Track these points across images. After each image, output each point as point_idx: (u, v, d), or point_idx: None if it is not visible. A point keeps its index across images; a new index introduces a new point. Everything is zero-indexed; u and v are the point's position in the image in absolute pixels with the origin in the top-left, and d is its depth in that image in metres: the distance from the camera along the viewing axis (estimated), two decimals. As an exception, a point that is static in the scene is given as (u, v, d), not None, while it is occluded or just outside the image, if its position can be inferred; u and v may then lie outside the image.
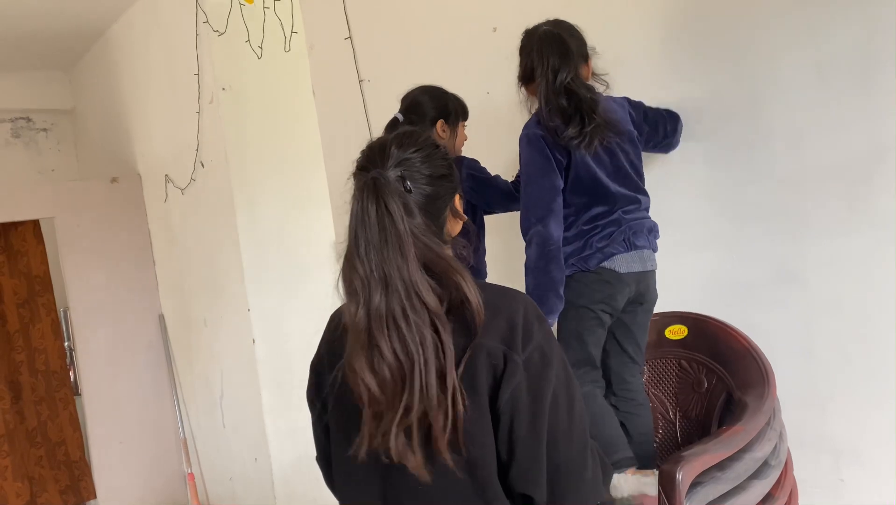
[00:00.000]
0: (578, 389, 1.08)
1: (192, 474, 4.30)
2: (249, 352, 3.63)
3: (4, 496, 4.01)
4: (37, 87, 5.07)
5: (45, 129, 5.21)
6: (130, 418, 4.33)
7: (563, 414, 1.03)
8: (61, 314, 4.36)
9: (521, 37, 1.76)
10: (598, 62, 1.80)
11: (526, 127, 1.71)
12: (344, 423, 1.11)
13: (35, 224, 4.23)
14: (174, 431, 4.50)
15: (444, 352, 0.99)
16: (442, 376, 0.98)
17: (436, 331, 0.99)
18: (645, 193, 1.78)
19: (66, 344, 4.31)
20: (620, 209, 1.70)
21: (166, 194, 4.19)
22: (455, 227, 1.14)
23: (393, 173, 1.04)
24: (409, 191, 1.04)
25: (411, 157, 1.07)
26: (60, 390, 4.24)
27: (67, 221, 4.20)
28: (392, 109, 2.05)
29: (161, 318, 4.48)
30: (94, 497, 4.24)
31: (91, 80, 4.92)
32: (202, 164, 3.82)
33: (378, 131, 2.87)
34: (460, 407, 0.98)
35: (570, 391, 1.05)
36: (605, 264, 1.67)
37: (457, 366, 0.99)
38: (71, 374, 4.48)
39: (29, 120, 5.14)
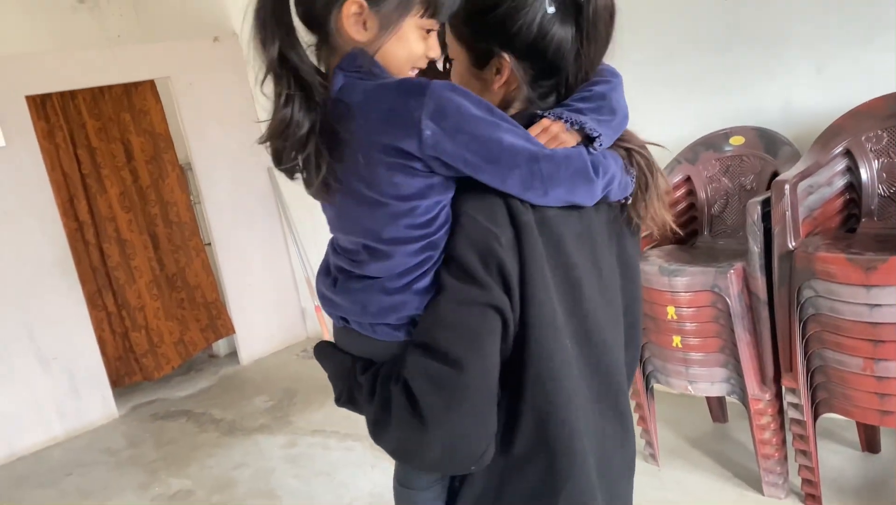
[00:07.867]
0: None
1: (318, 307, 4.83)
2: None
3: (161, 334, 4.45)
4: (95, -50, 5.04)
5: (106, -6, 5.21)
6: (253, 263, 4.77)
7: None
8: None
9: None
10: None
11: None
12: None
13: (152, 84, 4.41)
14: (290, 272, 4.97)
15: None
16: None
17: None
18: None
19: (190, 197, 4.62)
20: None
21: (277, 50, 4.43)
22: None
23: None
24: None
25: None
26: (192, 239, 4.60)
27: (181, 80, 4.42)
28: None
29: (270, 170, 4.83)
30: (233, 332, 4.72)
31: (160, -60, 4.92)
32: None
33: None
34: None
35: None
36: None
37: None
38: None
39: (91, -16, 5.12)
